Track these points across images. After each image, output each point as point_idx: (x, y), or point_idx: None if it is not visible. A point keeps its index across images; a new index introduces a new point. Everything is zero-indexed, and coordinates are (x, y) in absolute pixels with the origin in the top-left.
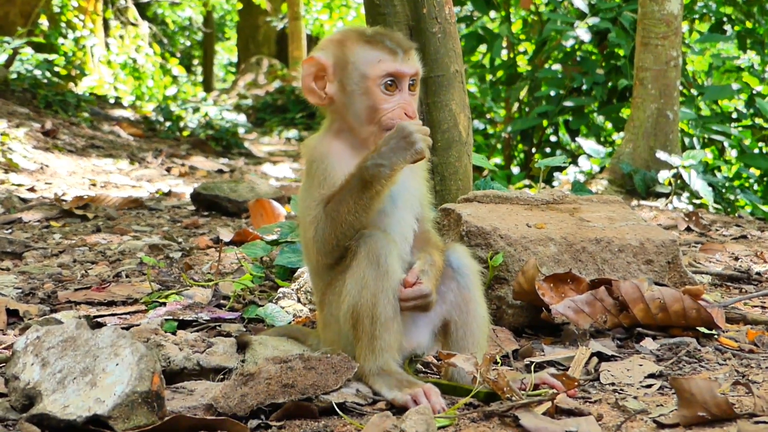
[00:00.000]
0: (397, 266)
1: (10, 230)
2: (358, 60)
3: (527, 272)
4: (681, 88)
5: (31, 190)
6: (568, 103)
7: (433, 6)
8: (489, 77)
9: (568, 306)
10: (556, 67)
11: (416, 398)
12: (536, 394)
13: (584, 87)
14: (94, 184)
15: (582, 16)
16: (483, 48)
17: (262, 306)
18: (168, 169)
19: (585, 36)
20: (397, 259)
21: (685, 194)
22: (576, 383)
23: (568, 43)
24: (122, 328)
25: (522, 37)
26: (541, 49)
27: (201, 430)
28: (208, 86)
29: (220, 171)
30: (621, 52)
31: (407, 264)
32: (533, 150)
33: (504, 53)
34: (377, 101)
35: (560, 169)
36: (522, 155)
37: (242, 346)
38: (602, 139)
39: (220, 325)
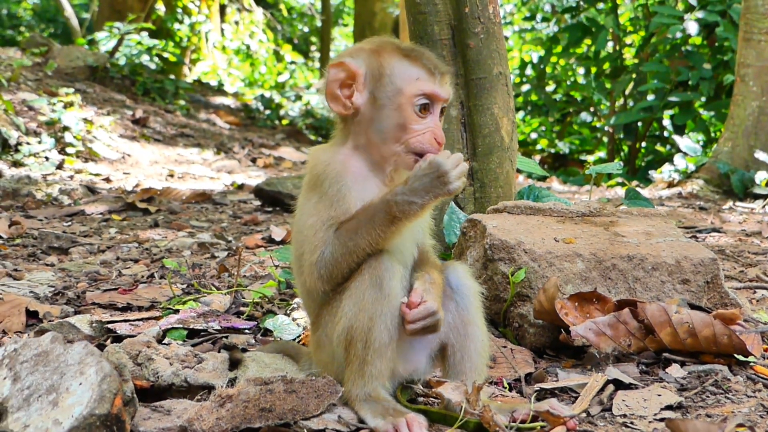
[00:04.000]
0: (399, 291)
1: (69, 223)
2: (395, 73)
3: (548, 290)
4: None
5: (107, 180)
6: (673, 98)
7: (475, 5)
8: (594, 69)
9: (588, 328)
10: (663, 60)
11: (398, 428)
12: (529, 427)
13: (690, 82)
14: (171, 175)
15: (690, 8)
16: (589, 40)
17: (279, 315)
18: (254, 160)
19: (692, 29)
20: (400, 284)
21: None
22: (562, 421)
23: (675, 36)
24: (125, 338)
25: (629, 29)
26: (648, 42)
27: None
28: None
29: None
30: (729, 46)
31: (406, 289)
32: (637, 144)
33: (610, 45)
34: (408, 120)
35: (657, 165)
36: (626, 149)
37: (234, 363)
38: (712, 134)
39: (227, 336)
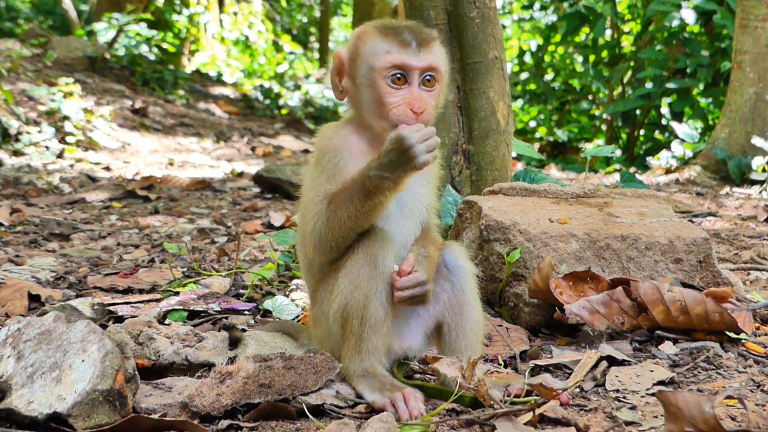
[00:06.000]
0: (394, 269)
1: (70, 210)
2: (367, 52)
3: (542, 270)
4: None
5: (107, 168)
6: (671, 85)
7: None
8: (592, 57)
9: (582, 306)
10: (661, 48)
11: (394, 402)
12: (522, 401)
13: (688, 69)
14: (171, 164)
15: None
16: (587, 28)
17: (278, 296)
18: (253, 149)
19: (690, 17)
20: (395, 262)
21: None
22: (555, 393)
23: (673, 24)
24: (126, 319)
25: (627, 17)
26: (646, 30)
27: (161, 430)
28: (323, 63)
29: (306, 151)
30: (727, 33)
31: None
32: (635, 132)
33: (608, 33)
34: (383, 94)
35: (656, 152)
36: (625, 136)
37: (234, 342)
38: (710, 121)
39: (227, 317)
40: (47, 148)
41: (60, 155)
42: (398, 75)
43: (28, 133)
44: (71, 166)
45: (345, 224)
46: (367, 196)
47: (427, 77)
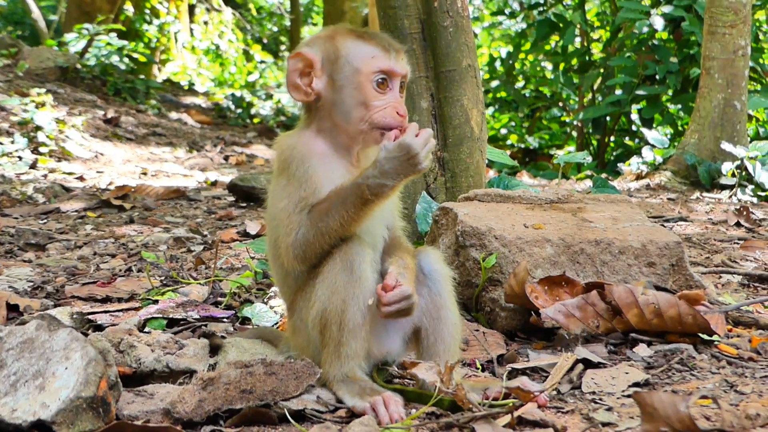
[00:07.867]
0: (370, 274)
1: (45, 220)
2: (350, 54)
3: (518, 275)
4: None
5: (80, 178)
6: (640, 92)
7: None
8: (562, 65)
9: (558, 310)
10: (630, 55)
11: (375, 406)
12: (500, 404)
13: (657, 75)
14: (144, 173)
15: (656, 3)
16: (557, 36)
17: (257, 304)
18: (226, 158)
19: (658, 24)
20: (371, 267)
21: (751, 186)
22: (532, 396)
23: (642, 31)
24: (106, 328)
25: (596, 24)
26: (615, 37)
27: None
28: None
29: None
30: (695, 40)
31: (378, 272)
32: (606, 138)
33: (577, 41)
34: (368, 97)
35: (626, 158)
36: (595, 143)
37: (214, 349)
38: (679, 127)
39: (206, 325)
40: (20, 158)
41: (33, 165)
42: (383, 80)
43: (0, 143)
44: (45, 176)
45: (335, 231)
46: (364, 204)
47: (400, 83)
